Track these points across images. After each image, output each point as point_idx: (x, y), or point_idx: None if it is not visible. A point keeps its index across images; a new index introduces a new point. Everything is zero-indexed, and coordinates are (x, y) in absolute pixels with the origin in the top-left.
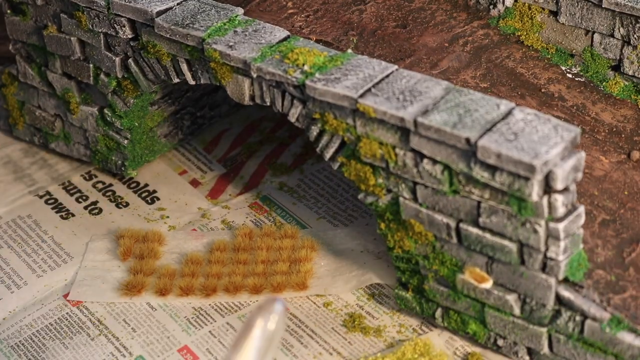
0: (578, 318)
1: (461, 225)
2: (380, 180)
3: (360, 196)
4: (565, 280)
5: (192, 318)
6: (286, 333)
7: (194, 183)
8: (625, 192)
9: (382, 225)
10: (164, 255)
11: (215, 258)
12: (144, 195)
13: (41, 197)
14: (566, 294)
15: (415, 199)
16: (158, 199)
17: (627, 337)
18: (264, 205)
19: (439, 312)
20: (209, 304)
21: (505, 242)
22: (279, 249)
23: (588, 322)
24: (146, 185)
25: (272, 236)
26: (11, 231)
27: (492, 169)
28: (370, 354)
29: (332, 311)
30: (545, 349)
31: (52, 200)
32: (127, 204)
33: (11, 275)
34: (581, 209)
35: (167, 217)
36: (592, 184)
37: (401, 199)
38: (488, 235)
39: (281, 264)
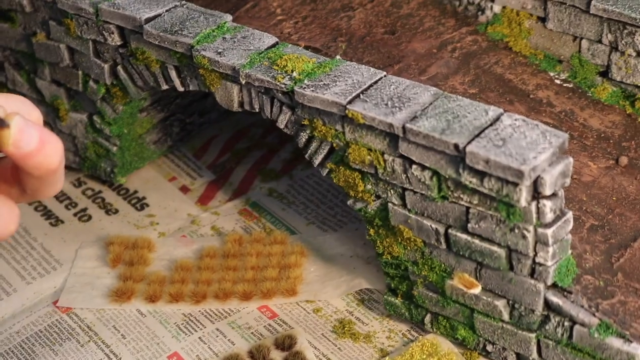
0: (567, 323)
1: (450, 231)
2: (369, 186)
3: (350, 202)
4: (554, 286)
5: (182, 324)
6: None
7: (184, 189)
8: (614, 198)
9: (372, 231)
10: (153, 261)
11: (205, 264)
12: (133, 201)
13: (30, 204)
14: (555, 299)
15: (404, 205)
16: (148, 205)
17: (615, 343)
18: (253, 212)
19: (428, 318)
20: (199, 311)
21: (494, 248)
22: (268, 255)
23: (577, 327)
24: (136, 191)
25: (261, 242)
26: None
27: (481, 175)
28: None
29: (322, 317)
30: (534, 355)
31: (42, 207)
32: (117, 211)
33: (0, 282)
34: (569, 215)
35: (157, 223)
36: (580, 190)
37: (390, 204)
38: (477, 241)
39: (271, 270)
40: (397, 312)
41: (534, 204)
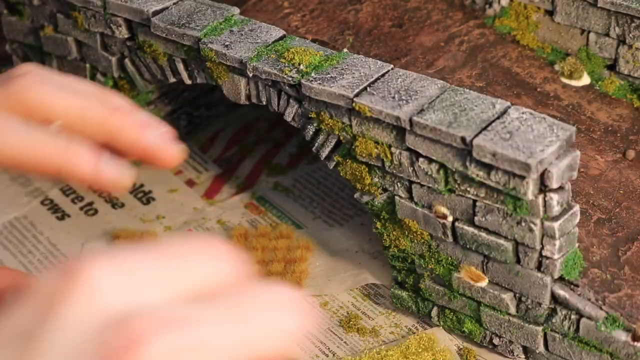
0: (573, 317)
1: (457, 224)
2: (376, 180)
3: (356, 195)
4: (561, 279)
5: None
6: None
7: (190, 183)
8: (621, 191)
9: (378, 224)
10: None
11: None
12: (139, 195)
13: (36, 197)
14: (561, 292)
15: (411, 198)
16: (154, 199)
17: (622, 336)
18: (259, 206)
19: (435, 311)
20: None
21: (501, 241)
22: (274, 249)
23: (583, 320)
24: (142, 185)
25: (267, 236)
26: (7, 232)
27: (488, 168)
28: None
29: (328, 311)
30: (541, 348)
31: (48, 201)
32: (123, 205)
33: None
34: (576, 208)
35: (163, 217)
36: (587, 183)
37: (397, 197)
38: (484, 234)
39: (276, 264)
40: (404, 305)
41: (540, 197)
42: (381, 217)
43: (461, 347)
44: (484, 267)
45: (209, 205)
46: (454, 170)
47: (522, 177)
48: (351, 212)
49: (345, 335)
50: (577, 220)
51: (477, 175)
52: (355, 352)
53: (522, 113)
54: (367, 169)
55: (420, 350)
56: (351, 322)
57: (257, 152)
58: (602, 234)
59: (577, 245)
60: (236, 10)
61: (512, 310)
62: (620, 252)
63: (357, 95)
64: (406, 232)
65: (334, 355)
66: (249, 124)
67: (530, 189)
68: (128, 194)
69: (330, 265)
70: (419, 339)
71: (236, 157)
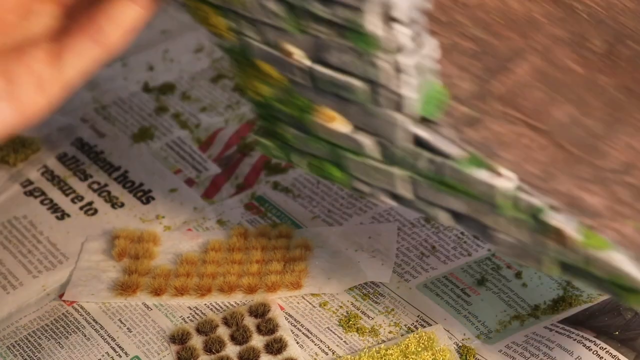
0: (438, 159)
1: (311, 65)
2: (228, 22)
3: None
4: (423, 120)
5: (187, 318)
6: (282, 333)
7: (189, 183)
8: (501, 21)
9: (237, 73)
10: (159, 255)
11: (210, 258)
12: (139, 195)
13: (36, 197)
14: (423, 133)
15: (262, 40)
16: (153, 198)
17: (483, 175)
18: (259, 205)
19: (301, 160)
20: (204, 304)
21: (355, 81)
22: (273, 249)
23: (447, 162)
24: (141, 184)
25: (266, 236)
26: (6, 232)
27: (331, 3)
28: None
29: (328, 310)
30: (409, 194)
31: (47, 201)
32: (123, 204)
33: (7, 276)
34: (434, 41)
35: (163, 217)
36: (463, 14)
37: (250, 40)
38: (338, 75)
39: (276, 264)
40: (269, 153)
41: (388, 30)
42: (238, 62)
43: (460, 345)
44: (342, 110)
45: (208, 204)
46: (299, 7)
47: (361, 10)
48: (350, 211)
49: (345, 335)
50: (437, 54)
51: (321, 10)
52: (355, 351)
53: None
54: (217, 11)
55: (419, 349)
56: (351, 322)
57: (256, 152)
58: (470, 66)
59: (438, 81)
60: None
61: (376, 155)
62: (489, 85)
63: None
64: (262, 76)
65: (333, 353)
66: (248, 123)
67: (373, 23)
68: (128, 194)
69: (329, 264)
70: (419, 338)
71: (236, 156)
